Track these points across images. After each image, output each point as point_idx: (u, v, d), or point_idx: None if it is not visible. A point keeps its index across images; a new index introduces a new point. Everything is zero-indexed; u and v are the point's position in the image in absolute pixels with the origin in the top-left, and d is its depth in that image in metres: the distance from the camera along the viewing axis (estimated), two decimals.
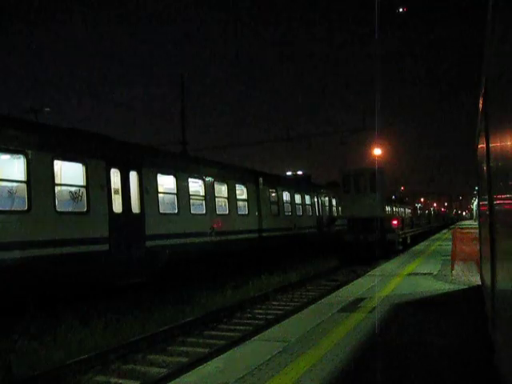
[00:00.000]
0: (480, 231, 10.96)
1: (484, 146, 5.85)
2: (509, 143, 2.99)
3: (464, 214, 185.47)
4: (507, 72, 2.96)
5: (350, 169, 28.96)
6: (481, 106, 6.59)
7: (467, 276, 14.39)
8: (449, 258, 17.62)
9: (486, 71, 5.22)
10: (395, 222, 30.19)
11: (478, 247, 12.40)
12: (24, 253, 10.93)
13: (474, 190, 47.86)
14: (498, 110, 3.72)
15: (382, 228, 27.02)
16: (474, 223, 55.63)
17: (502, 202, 3.73)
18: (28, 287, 10.98)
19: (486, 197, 5.89)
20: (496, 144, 4.06)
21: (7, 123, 11.67)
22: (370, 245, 25.90)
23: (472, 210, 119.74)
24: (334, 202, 36.03)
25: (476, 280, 13.04)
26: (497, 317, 4.81)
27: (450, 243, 18.68)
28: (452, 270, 15.50)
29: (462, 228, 30.47)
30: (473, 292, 11.62)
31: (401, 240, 30.10)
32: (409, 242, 33.47)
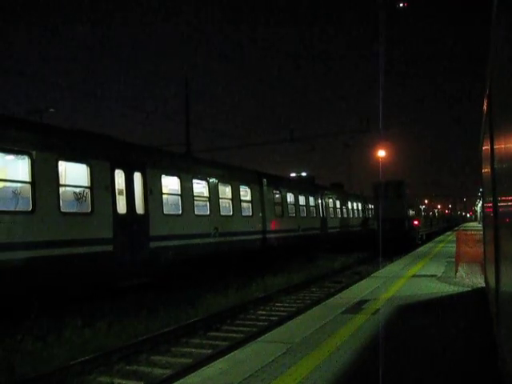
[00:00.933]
0: (484, 233, 10.94)
1: (488, 147, 5.84)
2: None
3: (468, 215, 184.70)
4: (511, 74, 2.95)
5: (380, 181, 34.78)
6: (485, 107, 6.59)
7: (471, 278, 14.37)
8: (453, 259, 17.59)
9: (490, 73, 5.21)
10: (416, 222, 38.13)
11: (482, 249, 12.38)
12: (28, 253, 10.95)
13: (479, 191, 47.90)
14: (503, 111, 3.72)
15: (406, 226, 34.20)
16: (479, 225, 55.56)
17: (506, 203, 3.73)
18: (32, 287, 11.00)
19: (491, 198, 5.88)
20: (500, 145, 4.06)
21: (12, 124, 11.70)
22: (396, 239, 31.58)
23: (476, 211, 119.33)
24: (338, 203, 36.03)
25: (480, 282, 13.03)
26: (501, 319, 4.80)
27: (454, 245, 18.63)
28: (456, 272, 15.48)
29: (466, 230, 30.37)
30: (477, 294, 11.60)
31: (420, 236, 38.87)
32: (424, 238, 40.86)
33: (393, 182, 35.38)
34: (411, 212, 38.98)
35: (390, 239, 30.77)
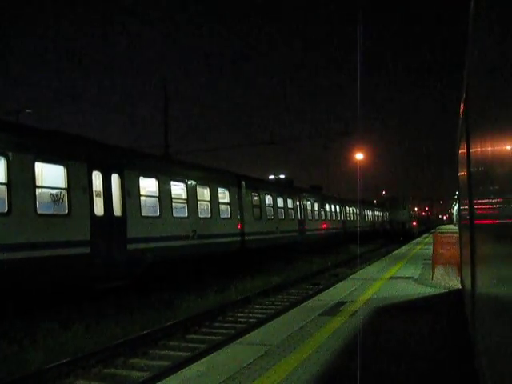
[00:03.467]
0: (460, 236, 11.08)
1: (465, 151, 5.92)
2: (489, 148, 3.04)
3: (444, 218, 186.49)
4: (487, 78, 3.00)
5: (391, 196, 68.99)
6: (462, 111, 6.68)
7: (448, 280, 14.54)
8: (429, 262, 17.77)
9: (466, 77, 5.29)
10: (414, 223, 63.18)
11: (459, 251, 12.54)
12: (4, 255, 10.80)
13: (455, 194, 48.84)
14: (479, 115, 3.78)
15: (408, 226, 58.21)
16: (455, 227, 56.33)
17: (481, 206, 3.79)
18: (8, 290, 10.85)
19: (467, 201, 5.96)
20: (476, 149, 4.12)
21: None
22: (401, 234, 54.56)
23: (452, 214, 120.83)
24: (316, 205, 36.15)
25: (456, 284, 13.19)
26: (477, 320, 4.87)
27: (431, 247, 18.83)
28: (433, 273, 15.63)
29: (443, 233, 30.78)
30: (453, 296, 11.74)
31: (416, 232, 61.50)
32: (417, 233, 62.06)
33: (399, 197, 64.78)
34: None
35: (398, 234, 54.50)
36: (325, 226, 37.79)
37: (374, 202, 74.33)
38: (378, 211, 67.36)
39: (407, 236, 52.35)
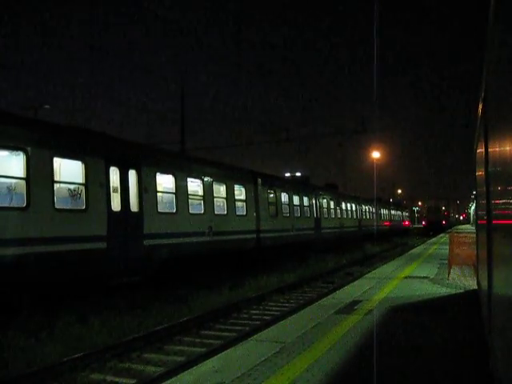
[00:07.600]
0: (477, 235, 11.00)
1: (483, 150, 5.88)
2: (508, 148, 3.02)
3: (461, 218, 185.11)
4: (507, 76, 2.98)
5: (430, 204, 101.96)
6: (480, 110, 6.62)
7: (464, 280, 14.45)
8: (445, 261, 17.67)
9: (485, 76, 5.24)
10: (444, 222, 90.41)
11: (475, 251, 12.45)
12: (22, 250, 10.92)
13: (472, 194, 48.44)
14: (498, 114, 3.74)
15: (441, 223, 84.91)
16: (472, 227, 55.83)
17: (499, 206, 3.76)
18: (25, 284, 10.98)
19: (484, 201, 5.91)
20: (495, 149, 4.09)
21: (8, 120, 11.67)
22: (435, 229, 75.53)
23: (469, 214, 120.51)
24: (332, 203, 36.03)
25: (472, 284, 13.09)
26: (493, 321, 4.83)
27: (447, 247, 18.72)
28: (449, 273, 15.54)
29: (459, 233, 30.57)
30: (469, 296, 11.66)
31: (444, 227, 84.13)
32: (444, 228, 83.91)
33: (435, 206, 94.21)
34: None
35: (433, 229, 74.93)
36: (340, 224, 37.65)
37: (391, 201, 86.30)
38: (395, 210, 72.16)
39: (440, 230, 74.62)
